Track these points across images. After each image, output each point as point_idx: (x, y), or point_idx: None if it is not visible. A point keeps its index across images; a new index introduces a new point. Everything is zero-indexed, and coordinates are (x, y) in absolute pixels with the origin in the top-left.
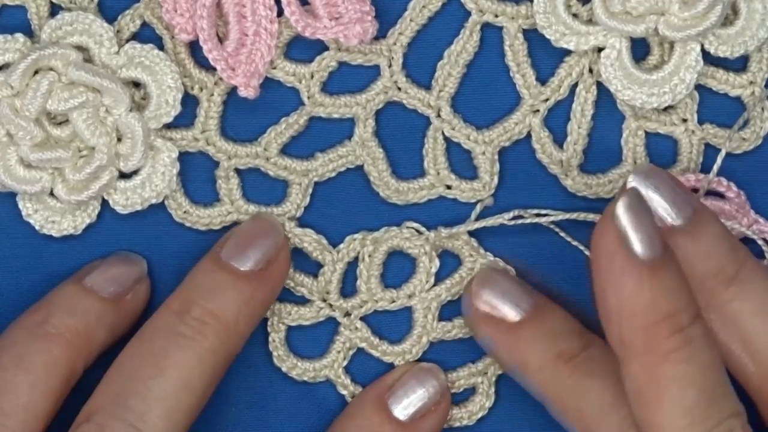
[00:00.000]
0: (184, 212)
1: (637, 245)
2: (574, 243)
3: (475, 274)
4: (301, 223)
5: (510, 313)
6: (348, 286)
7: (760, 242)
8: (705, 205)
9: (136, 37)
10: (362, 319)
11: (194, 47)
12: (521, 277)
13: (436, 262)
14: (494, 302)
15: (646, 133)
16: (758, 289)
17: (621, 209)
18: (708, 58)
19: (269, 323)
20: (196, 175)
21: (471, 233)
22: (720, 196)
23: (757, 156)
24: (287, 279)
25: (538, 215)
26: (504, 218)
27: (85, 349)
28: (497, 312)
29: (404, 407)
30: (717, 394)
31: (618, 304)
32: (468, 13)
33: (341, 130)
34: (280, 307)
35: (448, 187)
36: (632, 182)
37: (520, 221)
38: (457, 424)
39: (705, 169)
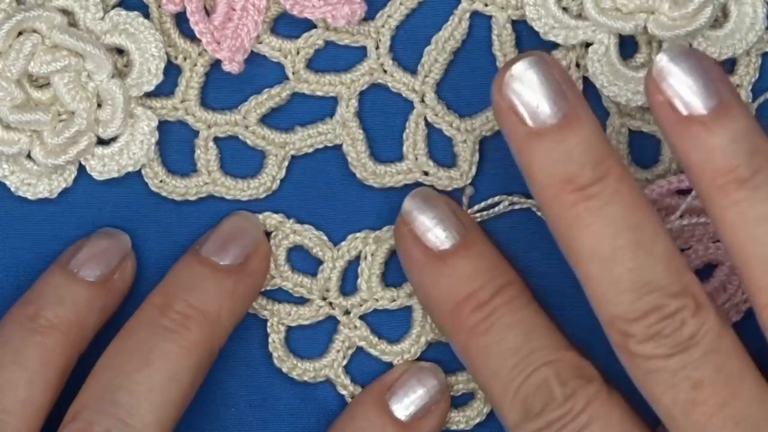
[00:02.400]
0: (160, 181)
1: (427, 241)
2: None
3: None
4: (300, 220)
5: (435, 241)
6: (348, 284)
7: None
8: (737, 98)
9: (122, 4)
10: (361, 317)
11: (179, 17)
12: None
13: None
14: (425, 227)
15: (630, 130)
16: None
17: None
18: None
19: (269, 324)
20: (175, 144)
21: None
22: None
23: None
24: (285, 281)
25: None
26: (497, 210)
27: (78, 337)
28: (425, 238)
29: (405, 407)
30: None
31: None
32: (458, 1)
33: (323, 107)
34: (279, 308)
35: (425, 174)
36: (662, 58)
37: (516, 205)
38: (454, 427)
39: None
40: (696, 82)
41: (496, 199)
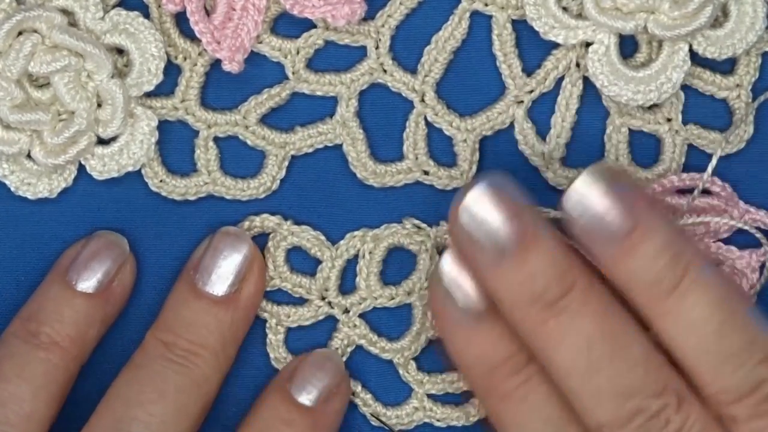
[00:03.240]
0: (160, 181)
1: (461, 302)
2: (572, 243)
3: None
4: (300, 220)
5: (468, 302)
6: (347, 283)
7: (754, 231)
8: (653, 212)
9: (122, 4)
10: (361, 316)
11: (179, 17)
12: None
13: (437, 259)
14: (457, 287)
15: (630, 130)
16: (697, 302)
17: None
18: (695, 58)
19: (267, 325)
20: (175, 144)
21: None
22: (706, 192)
23: (740, 159)
24: (284, 282)
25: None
26: None
27: (80, 351)
28: (457, 298)
29: (308, 393)
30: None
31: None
32: (458, 0)
33: (323, 107)
34: (278, 310)
35: (426, 173)
36: (573, 191)
37: None
38: (454, 423)
39: (687, 169)
40: (607, 211)
41: None
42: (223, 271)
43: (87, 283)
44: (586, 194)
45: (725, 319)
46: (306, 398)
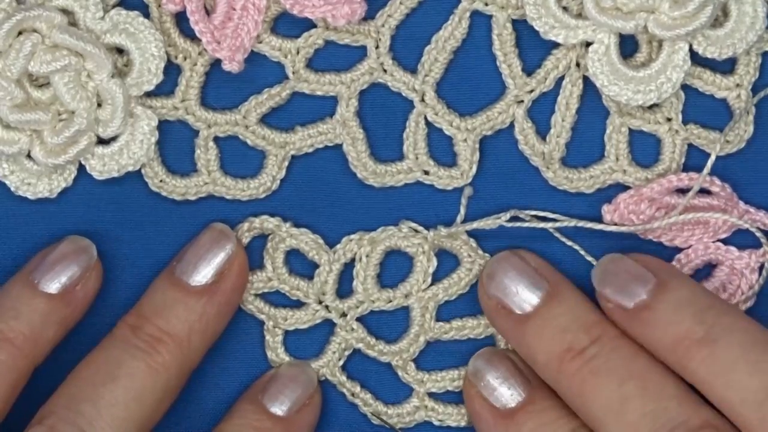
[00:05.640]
0: (160, 181)
1: (494, 400)
2: (571, 244)
3: (486, 264)
4: (300, 220)
5: (502, 400)
6: (344, 286)
7: (754, 230)
8: (673, 272)
9: (122, 3)
10: (359, 319)
11: (179, 17)
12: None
13: (434, 262)
14: (491, 387)
15: (630, 130)
16: (729, 345)
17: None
18: (695, 58)
19: (265, 327)
20: (175, 144)
21: (469, 233)
22: (706, 192)
23: (740, 158)
24: (282, 284)
25: (536, 217)
26: (502, 220)
27: (32, 351)
28: (492, 398)
29: (280, 403)
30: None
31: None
32: (458, 0)
33: (323, 107)
34: (275, 313)
35: (426, 173)
36: (594, 272)
37: (518, 224)
38: (453, 423)
39: (686, 169)
40: (629, 278)
41: (503, 216)
42: (201, 263)
43: (49, 285)
44: (604, 272)
45: (759, 357)
46: (279, 408)
